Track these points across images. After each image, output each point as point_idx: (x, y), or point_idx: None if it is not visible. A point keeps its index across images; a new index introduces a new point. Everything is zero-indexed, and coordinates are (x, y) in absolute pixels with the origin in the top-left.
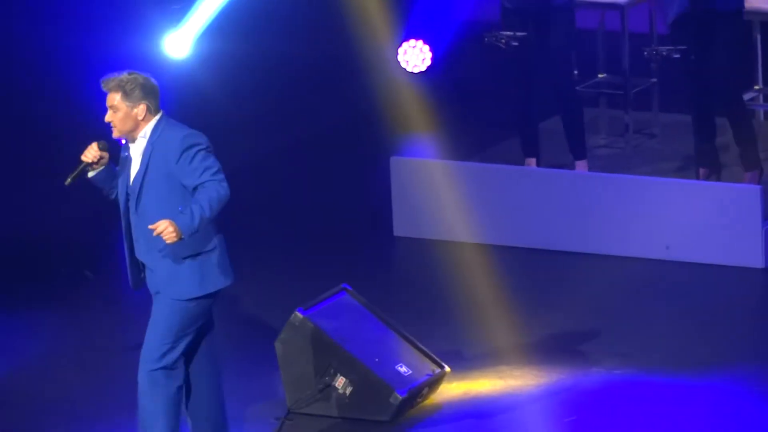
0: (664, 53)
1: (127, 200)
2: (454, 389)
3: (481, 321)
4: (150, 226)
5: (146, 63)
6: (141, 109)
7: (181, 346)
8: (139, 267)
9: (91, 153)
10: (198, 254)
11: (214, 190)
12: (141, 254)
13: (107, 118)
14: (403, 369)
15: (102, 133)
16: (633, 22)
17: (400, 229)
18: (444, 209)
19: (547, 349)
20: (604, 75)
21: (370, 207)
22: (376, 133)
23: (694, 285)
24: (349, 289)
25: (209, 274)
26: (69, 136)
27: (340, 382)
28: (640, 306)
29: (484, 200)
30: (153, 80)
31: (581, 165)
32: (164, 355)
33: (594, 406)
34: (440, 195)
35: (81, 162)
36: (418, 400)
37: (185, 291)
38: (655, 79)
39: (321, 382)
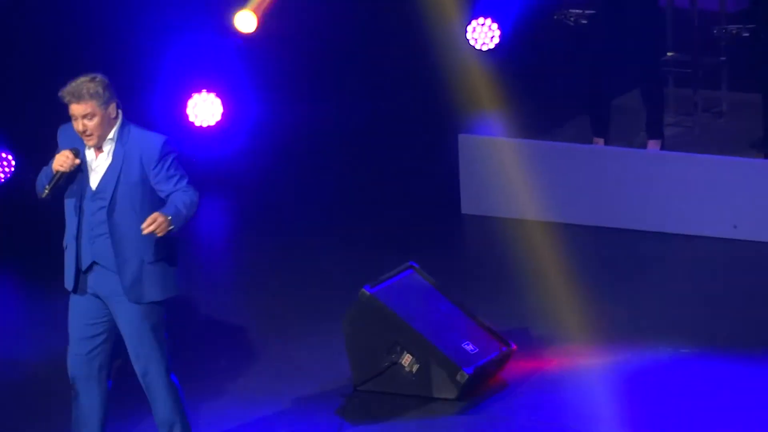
0: (734, 32)
1: (80, 201)
2: (521, 367)
3: (549, 299)
4: (143, 226)
5: (214, 38)
6: (112, 109)
7: (164, 346)
8: (79, 268)
9: (68, 162)
10: (161, 259)
11: (190, 195)
12: (103, 257)
13: (81, 127)
14: (469, 347)
15: None
16: (702, 0)
17: (467, 206)
18: (511, 187)
19: (614, 327)
20: (673, 53)
21: (438, 185)
22: (444, 111)
23: (761, 264)
24: (416, 266)
25: (170, 280)
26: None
27: (406, 359)
28: (707, 285)
29: (552, 178)
30: (107, 79)
31: (654, 144)
32: (155, 355)
33: (661, 384)
34: (508, 173)
35: (57, 172)
36: (485, 378)
37: (148, 294)
38: (724, 58)
39: (387, 360)
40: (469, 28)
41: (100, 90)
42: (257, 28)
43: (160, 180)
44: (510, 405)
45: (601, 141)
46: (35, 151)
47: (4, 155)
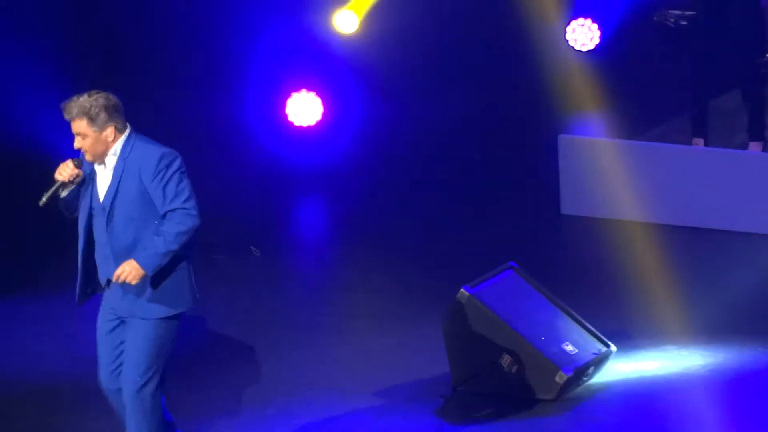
0: None
1: (89, 217)
2: (620, 368)
3: (648, 300)
4: (113, 277)
5: (314, 38)
6: (110, 132)
7: (162, 366)
8: (88, 282)
9: (67, 171)
10: (166, 274)
11: (178, 224)
12: (111, 273)
13: (76, 145)
14: (569, 348)
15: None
16: None
17: (567, 207)
18: (611, 188)
19: (714, 329)
20: None
21: (538, 185)
22: (544, 112)
23: None
24: (516, 267)
25: (179, 294)
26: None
27: (506, 360)
28: None
29: (652, 179)
30: (114, 98)
31: (755, 146)
32: (149, 377)
33: (760, 386)
34: (607, 173)
35: (56, 181)
36: (584, 379)
37: (154, 310)
38: None
39: (487, 360)
40: (569, 29)
41: (93, 111)
42: (358, 27)
43: (156, 197)
44: (608, 406)
45: (701, 142)
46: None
47: None
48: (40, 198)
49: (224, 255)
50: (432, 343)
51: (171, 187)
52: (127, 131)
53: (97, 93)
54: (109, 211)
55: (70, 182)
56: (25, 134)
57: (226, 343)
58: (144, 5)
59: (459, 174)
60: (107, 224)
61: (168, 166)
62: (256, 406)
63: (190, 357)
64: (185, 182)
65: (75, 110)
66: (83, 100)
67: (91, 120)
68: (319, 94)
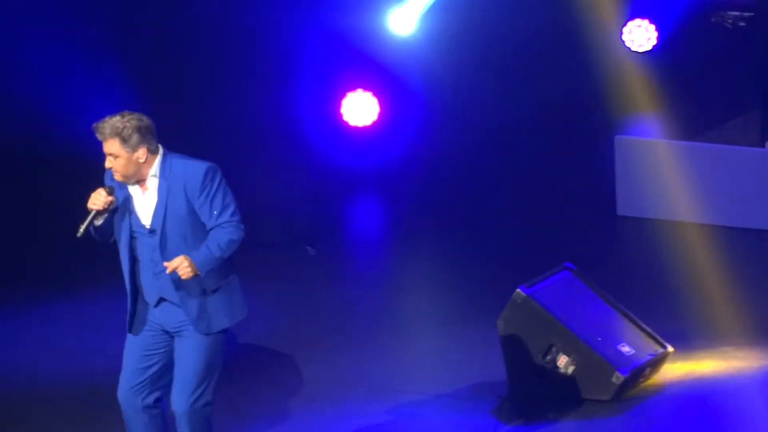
0: None
1: (130, 240)
2: (677, 369)
3: (705, 301)
4: (165, 263)
5: (370, 39)
6: (141, 153)
7: (215, 379)
8: (137, 308)
9: (101, 200)
10: (223, 287)
11: (229, 233)
12: (168, 292)
13: (108, 164)
14: (625, 348)
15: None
16: None
17: (623, 208)
18: (667, 189)
19: None
20: None
21: (594, 186)
22: (600, 113)
23: None
24: (573, 268)
25: (235, 305)
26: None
27: (562, 360)
28: None
29: (707, 180)
30: (147, 119)
31: None
32: (203, 390)
33: None
34: (664, 174)
35: (90, 211)
36: (641, 380)
37: (216, 324)
38: None
39: (543, 361)
40: (626, 30)
41: (126, 132)
42: (415, 28)
43: (203, 213)
44: (665, 407)
45: None
46: (186, 148)
47: None
48: (77, 229)
49: (315, 248)
50: (488, 343)
51: (218, 202)
52: (161, 152)
53: (130, 114)
54: (161, 232)
55: (105, 210)
56: (75, 132)
57: (283, 343)
58: (198, 4)
59: (515, 175)
60: (161, 245)
61: (213, 180)
62: (314, 406)
63: (249, 357)
64: (230, 195)
65: (108, 131)
66: (116, 121)
67: (124, 141)
68: (375, 93)
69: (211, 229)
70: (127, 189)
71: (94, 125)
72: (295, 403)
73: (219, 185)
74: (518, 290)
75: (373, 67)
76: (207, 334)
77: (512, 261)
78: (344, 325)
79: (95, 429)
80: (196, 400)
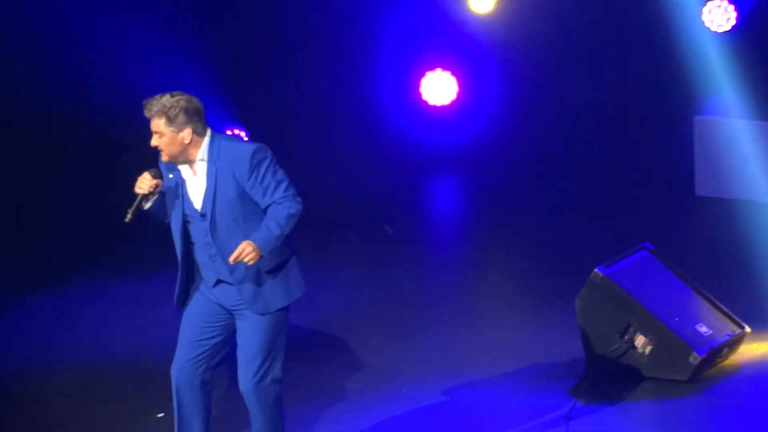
0: None
1: (184, 224)
2: (755, 350)
3: None
4: (230, 258)
5: (449, 18)
6: (187, 134)
7: (281, 356)
8: (188, 286)
9: (146, 183)
10: (279, 266)
11: (287, 207)
12: (223, 274)
13: (153, 142)
14: (702, 329)
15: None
16: None
17: (702, 188)
18: (746, 169)
19: None
20: None
21: (672, 166)
22: (679, 93)
23: None
24: (651, 248)
25: (291, 284)
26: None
27: (639, 340)
28: None
29: None
30: (196, 101)
31: None
32: (267, 368)
33: None
34: (743, 155)
35: (137, 195)
36: (717, 360)
37: (273, 303)
38: None
39: (620, 341)
40: (705, 10)
41: (173, 111)
42: (493, 6)
43: (255, 193)
44: (742, 388)
45: None
46: (266, 127)
47: (237, 131)
48: (125, 215)
49: (393, 227)
50: (566, 323)
51: (268, 180)
52: (209, 134)
53: (180, 95)
54: (211, 217)
55: (151, 194)
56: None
57: (360, 321)
58: None
59: (593, 155)
60: (211, 229)
61: (261, 161)
62: (389, 386)
63: (326, 336)
64: (280, 171)
65: (155, 108)
66: (164, 100)
67: (170, 120)
68: (453, 73)
69: (267, 208)
70: (179, 173)
71: (144, 102)
72: (373, 381)
73: (268, 164)
74: (596, 270)
75: (452, 46)
76: (263, 314)
77: (590, 241)
78: (422, 304)
79: (146, 407)
80: (261, 378)
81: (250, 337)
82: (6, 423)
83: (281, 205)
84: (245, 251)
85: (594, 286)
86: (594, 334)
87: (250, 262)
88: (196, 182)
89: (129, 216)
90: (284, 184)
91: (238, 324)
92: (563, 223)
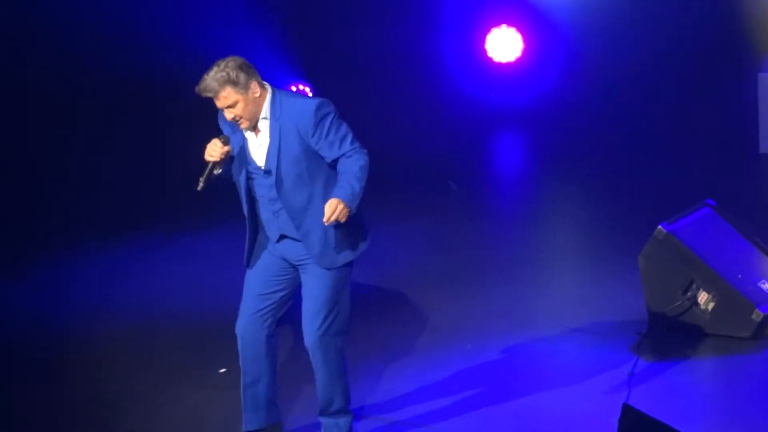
0: None
1: (248, 180)
2: None
3: None
4: (324, 219)
5: None
6: (255, 88)
7: (347, 310)
8: (258, 242)
9: (217, 151)
10: (350, 220)
11: (357, 160)
12: (288, 230)
13: (230, 117)
14: (765, 286)
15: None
16: None
17: (766, 145)
18: None
19: None
20: None
21: (736, 124)
22: (744, 50)
23: None
24: (714, 204)
25: (358, 235)
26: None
27: (702, 297)
28: None
29: None
30: (240, 58)
31: None
32: (331, 321)
33: None
34: None
35: (208, 163)
36: None
37: (340, 257)
38: None
39: (683, 298)
40: None
41: (232, 74)
42: None
43: (321, 147)
44: None
45: None
46: (329, 83)
47: (302, 87)
48: (197, 182)
49: (457, 183)
50: (628, 279)
51: (333, 135)
52: (270, 90)
53: (223, 60)
54: (277, 173)
55: (222, 160)
56: None
57: (424, 277)
58: None
59: (657, 111)
60: (277, 185)
61: (325, 116)
62: (453, 341)
63: (390, 292)
64: (344, 125)
65: (215, 83)
66: (215, 73)
67: (235, 84)
68: (519, 29)
69: (334, 162)
70: (240, 132)
71: (198, 89)
72: (436, 337)
73: (332, 119)
74: (659, 227)
75: (517, 2)
76: (330, 269)
77: (654, 197)
78: (486, 260)
79: (208, 361)
80: (325, 332)
81: (315, 291)
82: (69, 377)
83: (351, 158)
84: (337, 209)
85: (657, 243)
86: (657, 290)
87: (344, 220)
88: (258, 140)
89: (201, 184)
90: (349, 138)
91: (303, 278)
92: (627, 179)
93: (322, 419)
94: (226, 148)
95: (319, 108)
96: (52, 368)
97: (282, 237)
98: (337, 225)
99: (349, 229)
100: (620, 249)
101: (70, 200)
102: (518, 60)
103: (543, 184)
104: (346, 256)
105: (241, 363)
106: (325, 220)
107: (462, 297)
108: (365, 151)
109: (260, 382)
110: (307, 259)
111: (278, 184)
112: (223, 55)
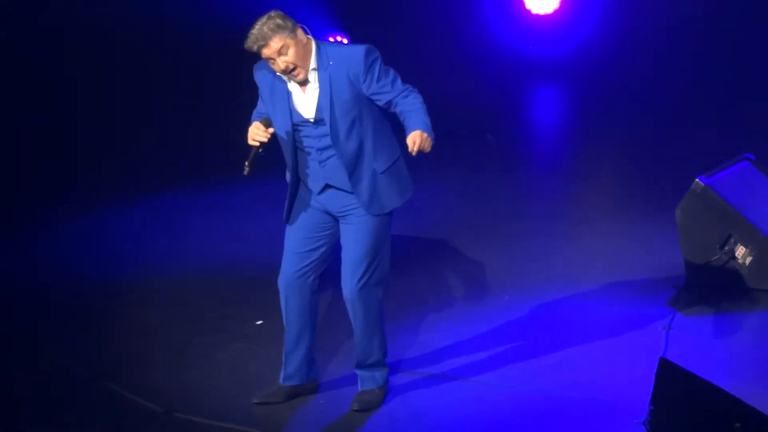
0: None
1: (293, 133)
2: None
3: None
4: (410, 149)
5: None
6: (301, 35)
7: (386, 260)
8: (297, 197)
9: (261, 135)
10: (391, 166)
11: (415, 96)
12: (335, 179)
13: (282, 66)
14: None
15: None
16: None
17: None
18: None
19: None
20: None
21: None
22: None
23: None
24: (752, 158)
25: (404, 182)
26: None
27: (740, 251)
28: None
29: None
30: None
31: None
32: (372, 271)
33: None
34: None
35: (253, 147)
36: None
37: (388, 203)
38: None
39: (721, 252)
40: None
41: (281, 21)
42: None
43: (374, 91)
44: None
45: None
46: (366, 33)
47: (340, 38)
48: (243, 168)
49: (495, 136)
50: (666, 233)
51: (384, 78)
52: (314, 41)
53: (266, 14)
54: (330, 120)
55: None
56: None
57: (461, 231)
58: None
59: (697, 67)
60: (332, 133)
61: (374, 61)
62: (490, 293)
63: (426, 244)
64: (391, 69)
65: (268, 31)
66: (266, 21)
67: (285, 29)
68: None
69: (385, 106)
70: (279, 88)
71: (248, 42)
72: (471, 291)
73: (380, 63)
74: (697, 180)
75: None
76: (372, 216)
77: (691, 151)
78: (521, 213)
79: (246, 314)
80: (366, 282)
81: (356, 241)
82: (111, 330)
83: (408, 97)
84: (421, 138)
85: (695, 196)
86: (694, 244)
87: (428, 149)
88: (308, 92)
89: (247, 169)
90: (399, 79)
91: (344, 229)
92: (665, 132)
93: (359, 372)
94: (271, 130)
95: (368, 53)
96: (90, 318)
97: (326, 187)
98: (383, 171)
99: (395, 176)
100: (658, 202)
101: (118, 155)
102: (556, 12)
103: (580, 137)
104: (394, 201)
105: (284, 319)
106: (411, 150)
107: (499, 249)
108: (416, 89)
109: (302, 339)
110: (350, 208)
111: (333, 130)
112: (260, 10)
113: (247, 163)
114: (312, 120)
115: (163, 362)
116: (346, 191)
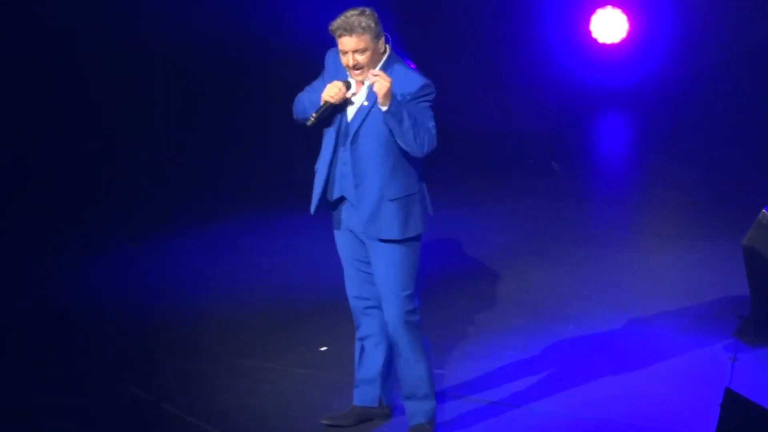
0: None
1: (338, 135)
2: None
3: None
4: (372, 72)
5: None
6: (381, 44)
7: (414, 283)
8: (324, 195)
9: (339, 94)
10: (402, 198)
11: (427, 131)
12: (347, 190)
13: (351, 62)
14: None
15: None
16: None
17: None
18: None
19: None
20: None
21: None
22: None
23: None
24: None
25: (411, 220)
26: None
27: None
28: None
29: None
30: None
31: None
32: (408, 301)
33: None
34: None
35: (325, 103)
36: None
37: (385, 231)
38: None
39: None
40: None
41: (372, 24)
42: None
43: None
44: None
45: None
46: (434, 62)
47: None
48: (308, 118)
49: (560, 164)
50: (731, 263)
51: (422, 111)
52: (389, 50)
53: (362, 8)
54: (356, 131)
55: (337, 104)
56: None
57: (525, 257)
58: None
59: (763, 93)
60: (352, 143)
61: (426, 95)
62: (553, 323)
63: (490, 270)
64: (432, 115)
65: (357, 24)
66: (361, 15)
67: (372, 32)
68: (624, 10)
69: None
70: (341, 77)
71: (335, 24)
72: (535, 318)
73: (431, 102)
74: (764, 211)
75: None
76: (373, 240)
77: (759, 182)
78: (584, 240)
79: (309, 339)
80: (406, 313)
81: (383, 271)
82: (175, 354)
83: (423, 127)
84: (384, 77)
85: (762, 227)
86: (760, 275)
87: (376, 87)
88: (359, 95)
89: (312, 120)
90: (432, 122)
91: (370, 252)
92: (732, 162)
93: (407, 404)
94: (348, 94)
95: (426, 86)
96: (156, 343)
97: (341, 199)
98: (393, 199)
99: (403, 208)
100: (723, 231)
101: (178, 186)
102: (623, 41)
103: (646, 166)
104: (392, 232)
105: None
106: (371, 73)
107: (562, 276)
108: (436, 140)
109: (370, 340)
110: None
111: (355, 139)
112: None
113: (314, 114)
114: (348, 123)
115: (229, 387)
116: (354, 207)
